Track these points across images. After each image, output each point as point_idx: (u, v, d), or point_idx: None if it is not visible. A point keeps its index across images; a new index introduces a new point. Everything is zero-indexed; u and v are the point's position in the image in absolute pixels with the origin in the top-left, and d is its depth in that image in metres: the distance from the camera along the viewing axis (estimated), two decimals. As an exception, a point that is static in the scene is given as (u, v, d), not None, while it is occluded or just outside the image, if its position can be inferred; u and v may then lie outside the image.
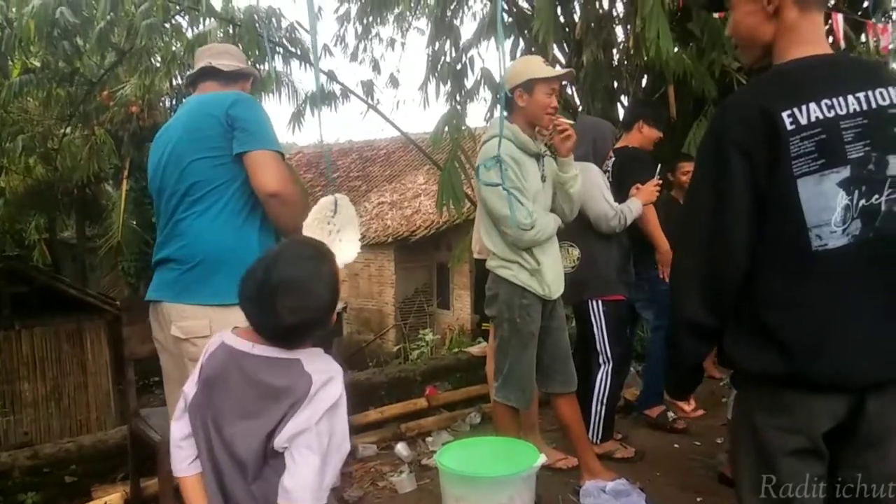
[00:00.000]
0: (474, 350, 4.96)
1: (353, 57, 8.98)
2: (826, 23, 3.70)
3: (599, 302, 3.22)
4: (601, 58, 5.71)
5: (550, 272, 2.76)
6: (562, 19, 6.16)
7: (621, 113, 6.26)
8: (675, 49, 4.95)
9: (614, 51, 6.35)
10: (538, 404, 3.31)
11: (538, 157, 2.76)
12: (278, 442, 1.43)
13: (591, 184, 3.12)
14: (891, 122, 1.38)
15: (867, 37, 4.50)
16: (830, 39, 3.93)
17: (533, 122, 2.72)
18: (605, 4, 6.29)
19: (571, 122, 2.75)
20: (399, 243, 13.24)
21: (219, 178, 2.10)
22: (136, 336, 2.66)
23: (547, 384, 2.90)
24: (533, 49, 5.74)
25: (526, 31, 6.00)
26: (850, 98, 1.36)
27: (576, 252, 3.23)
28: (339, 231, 1.73)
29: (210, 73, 2.30)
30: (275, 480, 1.44)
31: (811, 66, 1.42)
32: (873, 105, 1.37)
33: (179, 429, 1.55)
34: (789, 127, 1.32)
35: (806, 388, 1.36)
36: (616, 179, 3.46)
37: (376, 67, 9.14)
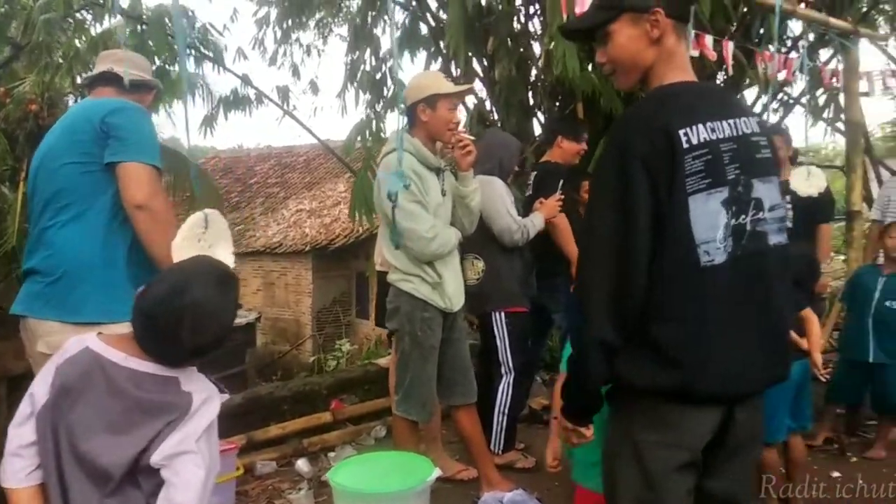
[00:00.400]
0: (382, 362, 4.90)
1: (273, 61, 8.83)
2: (718, 50, 3.90)
3: (502, 314, 3.27)
4: (514, 73, 5.80)
5: (451, 285, 2.77)
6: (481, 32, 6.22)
7: (537, 127, 6.39)
8: (589, 67, 5.10)
9: (532, 66, 6.47)
10: (441, 416, 3.31)
11: (438, 171, 2.77)
12: (155, 458, 1.38)
13: (495, 197, 3.17)
14: (754, 148, 1.46)
15: (756, 64, 4.78)
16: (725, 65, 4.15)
17: (434, 137, 2.73)
18: (523, 20, 6.41)
19: (472, 137, 2.78)
20: (317, 252, 13.02)
21: (87, 186, 1.99)
22: (10, 351, 2.49)
23: (448, 396, 2.92)
24: (452, 61, 5.77)
25: (441, 43, 6.04)
26: (725, 123, 1.43)
27: (480, 264, 3.26)
28: (210, 247, 1.68)
29: (110, 79, 2.21)
30: (134, 495, 1.38)
31: (691, 90, 1.49)
32: (740, 132, 1.45)
33: (21, 436, 1.42)
34: (684, 145, 1.36)
35: (692, 402, 1.40)
36: (534, 193, 3.53)
37: (296, 73, 9.00)
